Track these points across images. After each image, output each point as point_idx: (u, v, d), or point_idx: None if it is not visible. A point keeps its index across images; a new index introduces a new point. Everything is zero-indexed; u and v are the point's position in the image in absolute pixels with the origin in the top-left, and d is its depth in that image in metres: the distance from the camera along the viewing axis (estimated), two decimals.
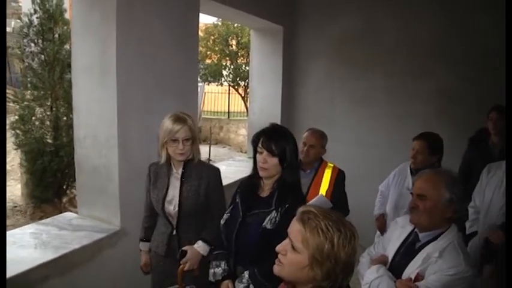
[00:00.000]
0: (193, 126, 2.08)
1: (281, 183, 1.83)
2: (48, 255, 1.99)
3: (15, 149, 6.58)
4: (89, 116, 2.40)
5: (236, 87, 12.91)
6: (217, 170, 2.20)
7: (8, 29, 16.80)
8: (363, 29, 4.21)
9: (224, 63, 12.40)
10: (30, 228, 2.35)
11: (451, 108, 3.82)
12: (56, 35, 6.27)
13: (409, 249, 1.70)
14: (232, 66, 12.28)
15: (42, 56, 6.19)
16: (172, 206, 2.11)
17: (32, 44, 6.21)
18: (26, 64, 6.38)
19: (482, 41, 3.67)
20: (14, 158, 9.14)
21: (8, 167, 9.65)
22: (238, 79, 12.63)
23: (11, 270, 1.77)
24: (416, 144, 2.70)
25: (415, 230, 1.72)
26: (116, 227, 2.37)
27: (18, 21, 6.17)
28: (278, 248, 1.18)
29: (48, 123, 6.38)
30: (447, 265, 1.53)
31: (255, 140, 1.86)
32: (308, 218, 1.12)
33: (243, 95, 13.12)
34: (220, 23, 12.19)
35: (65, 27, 6.23)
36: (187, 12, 2.80)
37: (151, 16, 2.46)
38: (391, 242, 1.80)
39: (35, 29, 6.14)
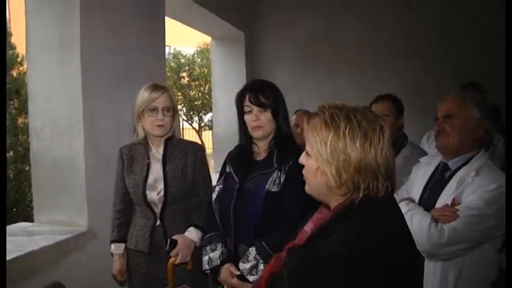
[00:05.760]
0: (174, 97, 1.86)
1: (278, 139, 1.64)
2: None
3: None
4: (47, 100, 2.07)
5: (190, 121, 12.68)
6: (203, 147, 1.97)
7: None
8: (325, 29, 4.27)
9: (177, 98, 12.14)
10: None
11: (415, 100, 3.90)
12: None
13: (438, 181, 1.54)
14: (185, 100, 12.12)
15: None
16: (155, 192, 1.81)
17: None
18: None
19: (441, 33, 3.90)
20: None
21: None
22: (191, 113, 12.44)
23: None
24: (380, 107, 2.12)
25: (442, 160, 1.57)
26: (83, 228, 2.01)
27: None
28: (300, 159, 1.01)
29: None
30: (487, 180, 1.37)
31: (239, 99, 1.67)
32: (316, 114, 0.94)
33: (197, 129, 12.87)
34: (171, 57, 12.07)
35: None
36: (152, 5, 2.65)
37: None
38: (416, 183, 1.62)
39: None
